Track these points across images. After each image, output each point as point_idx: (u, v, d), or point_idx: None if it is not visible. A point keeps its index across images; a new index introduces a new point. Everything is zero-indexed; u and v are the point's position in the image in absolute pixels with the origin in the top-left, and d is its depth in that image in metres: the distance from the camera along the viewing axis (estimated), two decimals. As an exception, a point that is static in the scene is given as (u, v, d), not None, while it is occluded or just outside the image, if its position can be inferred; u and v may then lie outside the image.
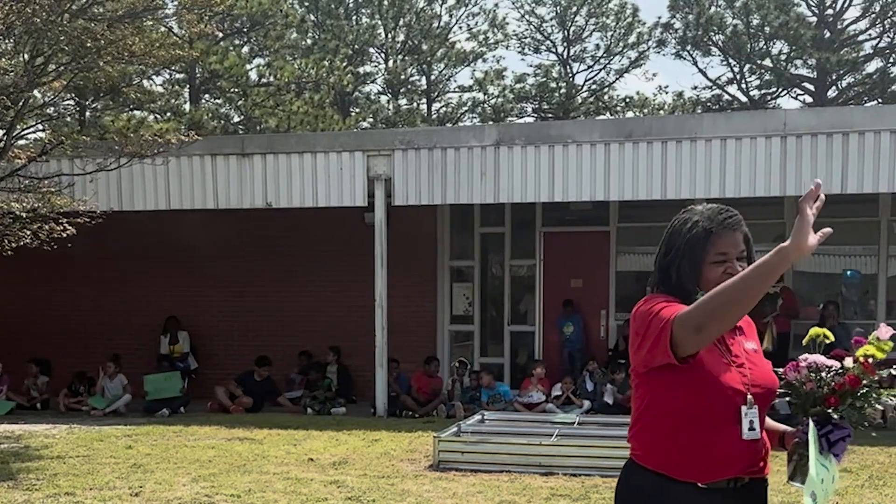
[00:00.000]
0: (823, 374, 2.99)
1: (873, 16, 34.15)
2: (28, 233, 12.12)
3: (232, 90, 32.00)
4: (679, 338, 2.90)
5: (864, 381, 2.92)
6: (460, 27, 41.05)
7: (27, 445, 11.58)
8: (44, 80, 12.06)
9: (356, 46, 37.58)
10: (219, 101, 34.19)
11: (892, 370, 2.99)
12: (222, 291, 16.74)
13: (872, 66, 35.06)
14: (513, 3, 42.04)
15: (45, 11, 11.16)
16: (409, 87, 40.49)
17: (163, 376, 15.30)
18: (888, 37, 34.53)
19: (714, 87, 37.62)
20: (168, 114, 31.39)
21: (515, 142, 13.75)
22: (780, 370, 3.16)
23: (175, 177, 14.67)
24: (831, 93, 35.23)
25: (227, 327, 16.79)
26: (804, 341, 3.14)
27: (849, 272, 15.03)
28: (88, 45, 11.33)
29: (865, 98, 34.78)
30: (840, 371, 2.99)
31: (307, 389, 15.40)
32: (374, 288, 14.12)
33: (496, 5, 43.98)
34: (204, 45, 27.29)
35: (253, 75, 31.78)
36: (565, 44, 40.15)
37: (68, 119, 28.08)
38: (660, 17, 40.64)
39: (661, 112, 37.37)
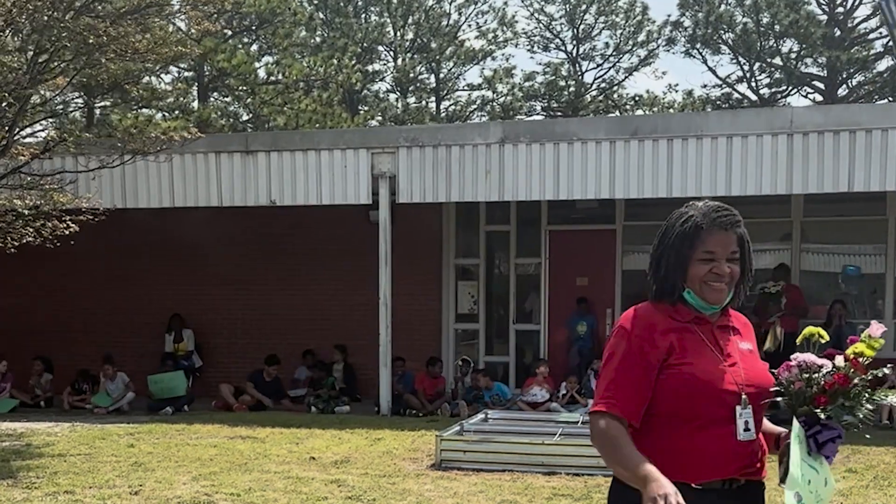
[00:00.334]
0: (814, 374, 2.90)
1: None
2: (31, 230, 12.10)
3: (240, 88, 32.02)
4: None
5: (855, 381, 2.83)
6: (469, 25, 41.16)
7: (29, 443, 11.55)
8: (46, 77, 12.02)
9: (365, 44, 37.60)
10: (227, 100, 34.21)
11: (884, 369, 2.90)
12: (226, 289, 16.68)
13: (883, 65, 34.97)
14: (522, 1, 42.20)
15: (48, 8, 11.12)
16: (418, 85, 40.48)
17: (167, 376, 15.24)
18: (899, 35, 34.33)
19: (724, 86, 37.56)
20: (176, 112, 31.41)
21: (520, 139, 13.67)
22: (777, 370, 3.09)
23: (179, 174, 14.63)
24: (841, 91, 35.12)
25: (231, 325, 16.74)
26: (798, 340, 3.06)
27: (850, 268, 14.91)
28: (91, 41, 11.28)
29: (876, 97, 34.66)
30: (830, 370, 2.91)
31: (310, 388, 15.35)
32: (379, 286, 14.07)
33: (505, 3, 43.84)
34: (212, 42, 27.32)
35: (261, 73, 31.81)
36: (574, 42, 40.13)
37: (77, 116, 28.10)
38: (669, 16, 40.61)
39: (671, 111, 37.27)
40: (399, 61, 39.73)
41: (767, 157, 12.68)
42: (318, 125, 30.46)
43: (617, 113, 38.10)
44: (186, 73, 32.25)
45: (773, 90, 36.72)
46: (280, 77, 31.21)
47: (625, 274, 15.49)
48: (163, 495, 8.53)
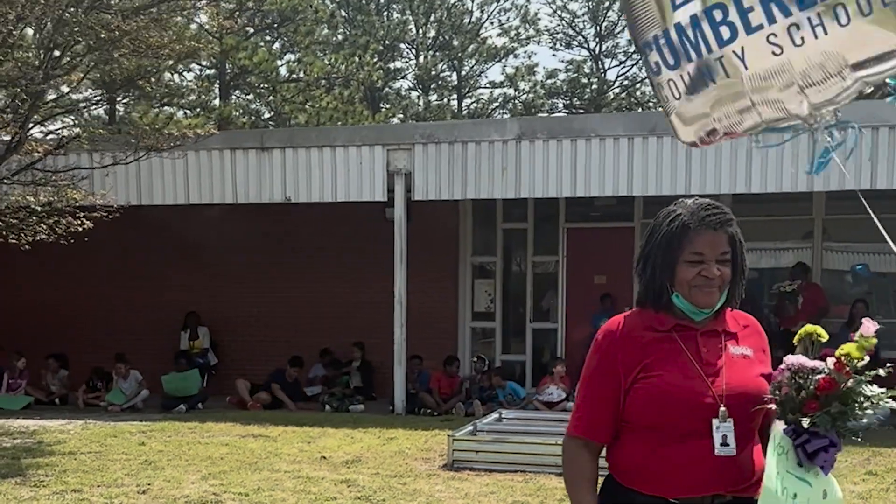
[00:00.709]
0: (804, 378, 2.71)
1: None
2: (45, 227, 12.09)
3: (262, 86, 32.06)
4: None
5: (849, 384, 2.63)
6: (491, 23, 40.96)
7: (40, 441, 11.51)
8: (58, 73, 11.98)
9: (387, 42, 37.53)
10: (249, 97, 34.22)
11: (881, 370, 2.70)
12: (240, 286, 16.61)
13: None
14: (545, -1, 41.83)
15: (59, 3, 11.08)
16: (440, 82, 40.38)
17: (181, 376, 15.17)
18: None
19: (748, 83, 37.18)
20: (198, 110, 31.46)
21: (538, 135, 13.52)
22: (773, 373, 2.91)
23: (194, 171, 14.58)
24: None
25: (246, 323, 16.66)
26: (794, 340, 2.87)
27: (858, 266, 14.64)
28: (103, 36, 11.23)
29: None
30: (821, 374, 2.71)
31: (325, 386, 15.26)
32: (394, 284, 13.96)
33: (528, 1, 43.60)
34: (234, 40, 27.36)
35: (283, 71, 31.83)
36: (597, 39, 39.89)
37: (101, 113, 28.16)
38: (693, 12, 40.08)
39: (694, 108, 36.94)
40: (421, 59, 39.64)
41: (788, 153, 12.46)
42: (339, 123, 30.44)
43: (640, 111, 37.86)
44: (208, 71, 32.29)
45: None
46: (301, 75, 31.24)
47: (643, 272, 15.28)
48: (170, 494, 8.45)
